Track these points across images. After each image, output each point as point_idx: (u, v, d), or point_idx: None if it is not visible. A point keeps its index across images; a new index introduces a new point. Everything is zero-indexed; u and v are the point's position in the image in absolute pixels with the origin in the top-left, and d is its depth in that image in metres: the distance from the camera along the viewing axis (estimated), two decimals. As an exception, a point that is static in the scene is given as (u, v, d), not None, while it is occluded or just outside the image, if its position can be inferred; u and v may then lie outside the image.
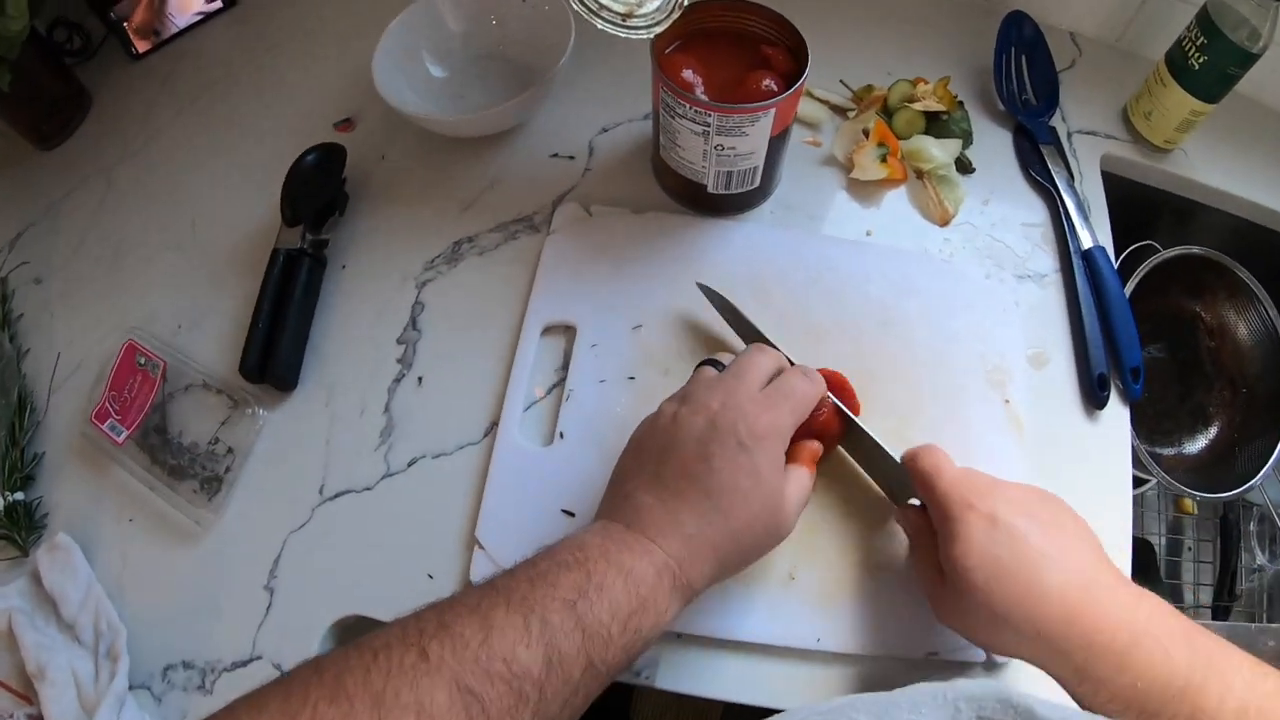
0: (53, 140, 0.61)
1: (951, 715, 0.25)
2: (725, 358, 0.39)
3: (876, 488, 0.42)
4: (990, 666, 0.42)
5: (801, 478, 0.36)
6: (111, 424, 0.48)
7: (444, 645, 0.26)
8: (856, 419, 0.40)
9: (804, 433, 0.37)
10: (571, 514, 0.42)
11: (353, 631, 0.44)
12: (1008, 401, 0.47)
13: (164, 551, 0.45)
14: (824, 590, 0.41)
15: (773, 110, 0.42)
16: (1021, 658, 0.33)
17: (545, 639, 0.27)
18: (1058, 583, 0.31)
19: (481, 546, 0.41)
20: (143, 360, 0.49)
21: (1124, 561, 0.46)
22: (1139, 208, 0.60)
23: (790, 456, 0.36)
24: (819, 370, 0.40)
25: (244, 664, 0.42)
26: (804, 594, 0.41)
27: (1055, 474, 0.47)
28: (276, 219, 0.52)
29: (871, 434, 0.39)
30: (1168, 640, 0.30)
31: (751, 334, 0.43)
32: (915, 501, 0.39)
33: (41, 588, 0.45)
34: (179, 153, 0.59)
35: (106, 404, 0.49)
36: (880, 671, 0.41)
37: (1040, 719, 0.22)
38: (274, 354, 0.47)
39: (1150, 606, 0.31)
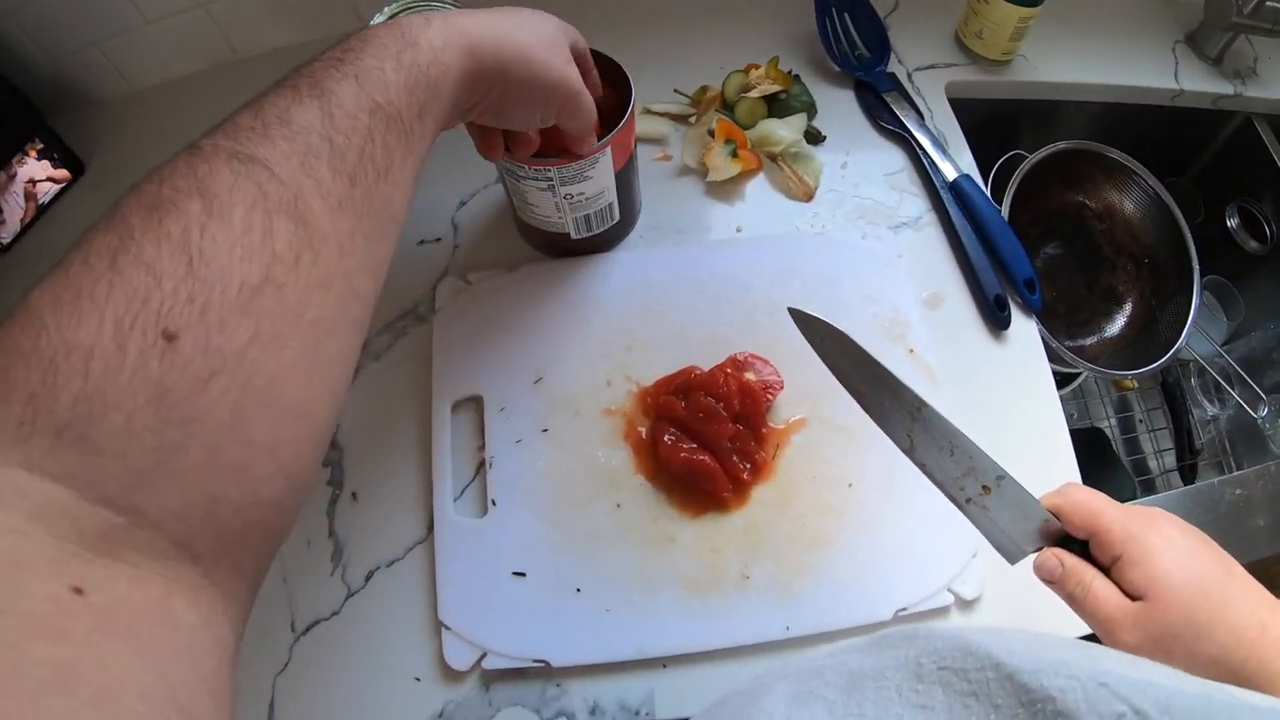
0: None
1: (915, 673, 0.26)
2: None
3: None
4: (962, 605, 0.44)
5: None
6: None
7: (217, 135, 0.24)
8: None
9: None
10: (523, 574, 0.43)
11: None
12: (912, 351, 0.48)
13: None
14: (780, 580, 0.42)
15: (608, 148, 0.43)
16: (1217, 679, 0.30)
17: (316, 92, 0.25)
18: (1243, 594, 0.31)
19: (448, 628, 0.42)
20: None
21: (1070, 459, 0.48)
22: (1000, 124, 0.61)
23: None
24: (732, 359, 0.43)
25: (265, 814, 0.43)
26: (761, 589, 0.42)
27: (978, 404, 0.48)
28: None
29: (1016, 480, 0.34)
30: None
31: (857, 366, 0.37)
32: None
33: None
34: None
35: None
36: (856, 638, 0.42)
37: (999, 662, 0.23)
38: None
39: None
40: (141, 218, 0.21)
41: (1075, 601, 0.33)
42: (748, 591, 0.42)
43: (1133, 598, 0.32)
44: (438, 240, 0.52)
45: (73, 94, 0.64)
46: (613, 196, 0.47)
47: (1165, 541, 0.32)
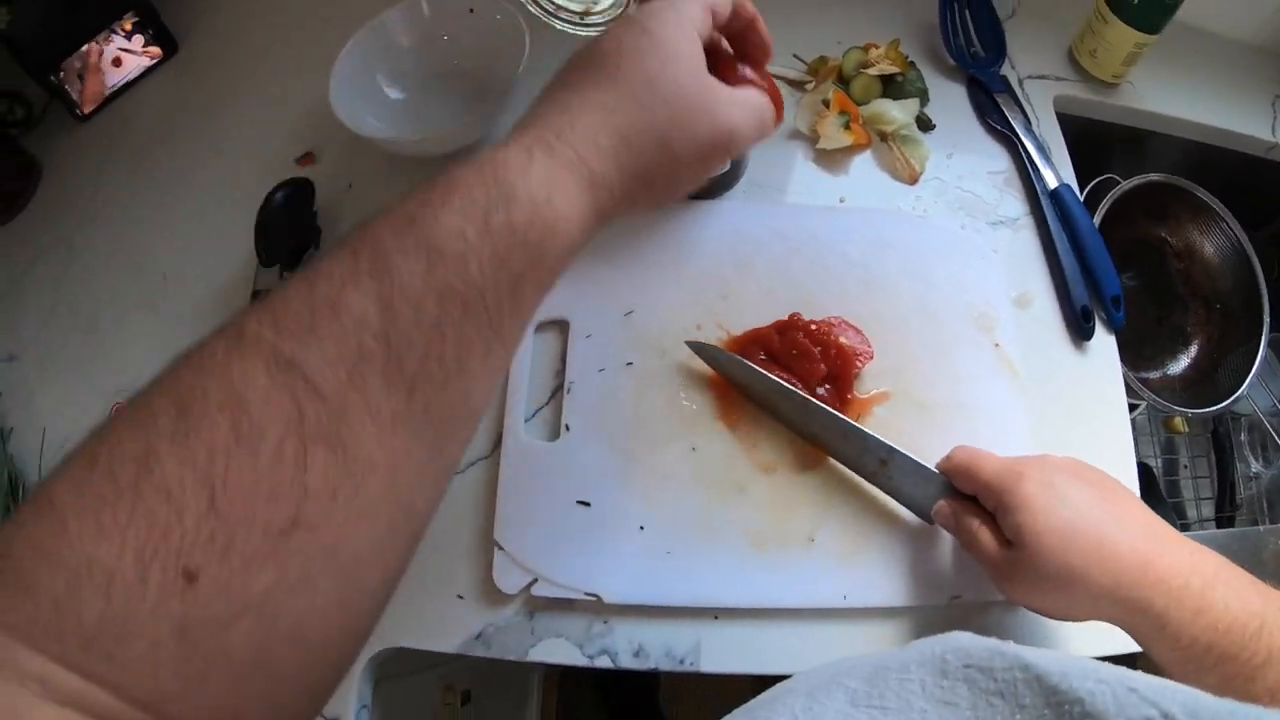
0: (5, 214, 0.59)
1: (940, 669, 0.25)
2: None
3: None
4: (1013, 605, 0.43)
5: (748, 93, 0.30)
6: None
7: (262, 317, 0.21)
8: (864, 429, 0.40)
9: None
10: (587, 504, 0.42)
11: (393, 664, 0.44)
12: (998, 345, 0.48)
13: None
14: (845, 548, 0.41)
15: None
16: (1100, 618, 0.33)
17: (378, 270, 0.21)
18: (1126, 535, 0.31)
19: (501, 547, 0.41)
20: (133, 423, 0.48)
21: (1133, 486, 0.47)
22: (1095, 143, 0.61)
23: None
24: (829, 320, 0.44)
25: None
26: (826, 554, 0.41)
27: (1052, 410, 0.48)
28: (250, 263, 0.51)
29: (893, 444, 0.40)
30: (1238, 584, 0.30)
31: (758, 383, 0.42)
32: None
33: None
34: (139, 210, 0.58)
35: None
36: (909, 622, 0.41)
37: (1028, 663, 0.22)
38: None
39: (1214, 556, 0.32)
40: (170, 421, 0.19)
41: (968, 548, 0.36)
42: (812, 554, 0.41)
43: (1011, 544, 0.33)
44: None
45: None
46: (728, 143, 0.46)
47: (1037, 488, 0.32)
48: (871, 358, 0.45)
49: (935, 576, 0.42)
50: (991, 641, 0.25)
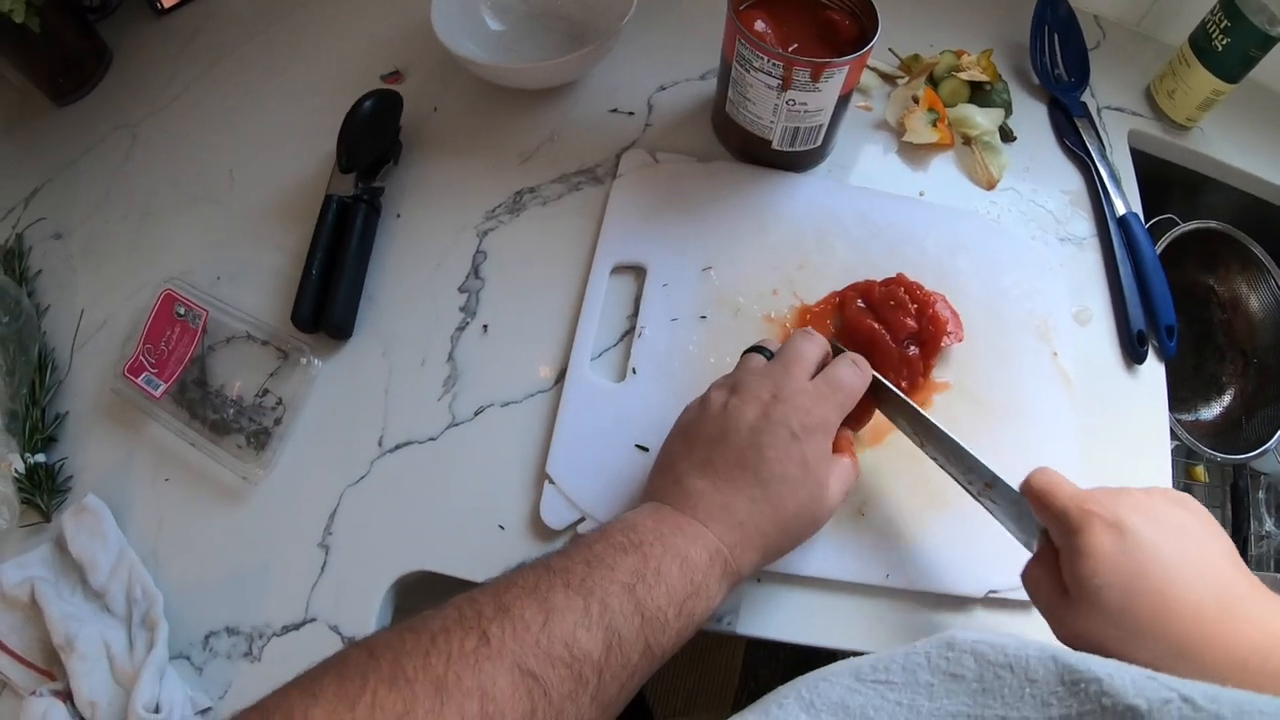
0: (70, 95, 0.58)
1: (948, 642, 0.25)
2: (771, 344, 0.39)
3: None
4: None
5: (845, 468, 0.36)
6: (147, 378, 0.45)
7: (504, 628, 0.26)
8: (934, 421, 0.38)
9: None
10: (645, 448, 0.41)
11: (415, 590, 0.42)
12: (1056, 354, 0.48)
13: (206, 511, 0.43)
14: (892, 527, 0.41)
15: (846, 68, 0.43)
16: (1159, 669, 0.30)
17: (605, 622, 0.27)
18: (1193, 600, 0.28)
19: (552, 481, 0.40)
20: (182, 310, 0.47)
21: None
22: (1158, 182, 0.63)
23: (833, 446, 0.36)
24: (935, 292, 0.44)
25: (296, 627, 0.40)
26: (873, 530, 0.41)
27: (1099, 427, 0.48)
28: (323, 169, 0.50)
29: (954, 437, 0.37)
30: None
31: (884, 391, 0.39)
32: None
33: (67, 555, 0.42)
34: (210, 107, 0.57)
35: (141, 357, 0.46)
36: (944, 612, 0.41)
37: (1044, 644, 0.22)
38: (328, 302, 0.45)
39: None
40: (427, 694, 0.23)
41: (1025, 586, 0.34)
42: (861, 528, 0.41)
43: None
44: (630, 114, 0.52)
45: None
46: (826, 119, 0.46)
47: (1103, 534, 0.30)
48: (961, 339, 0.45)
49: (976, 567, 0.41)
50: (1007, 633, 0.25)
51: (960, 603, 0.41)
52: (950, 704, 0.23)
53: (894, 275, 0.46)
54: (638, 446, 0.41)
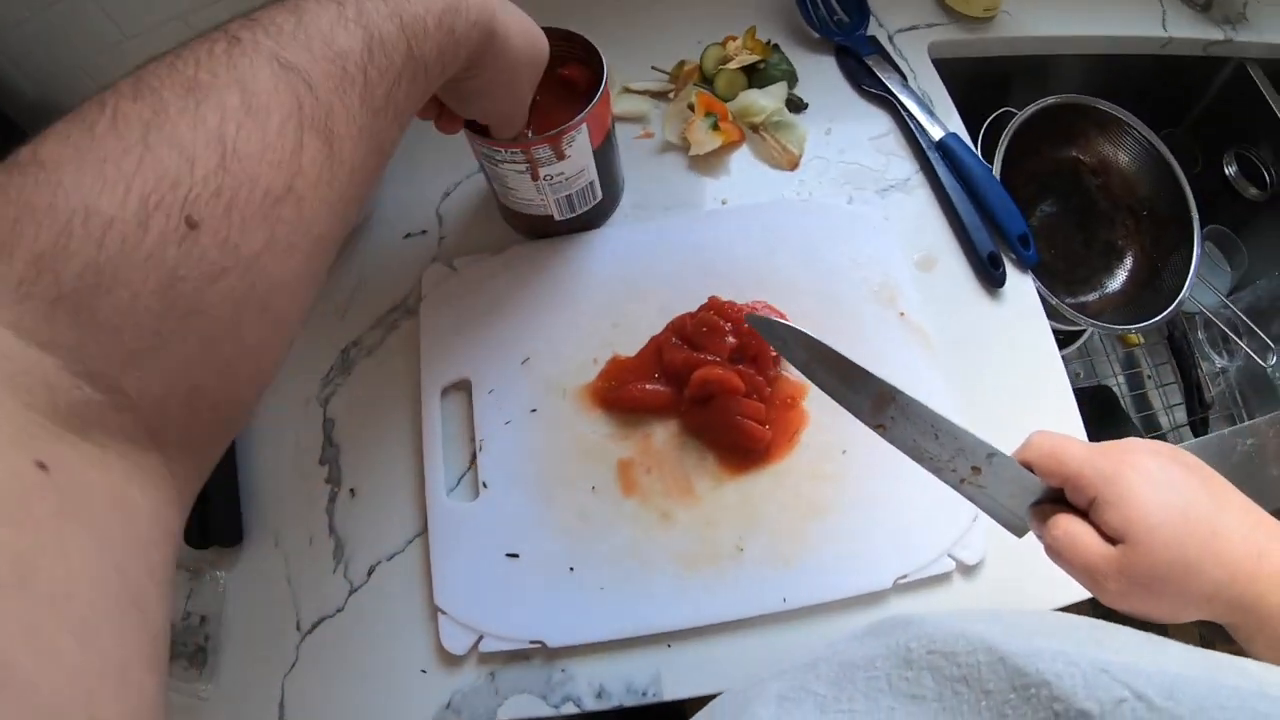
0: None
1: (905, 659, 0.25)
2: None
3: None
4: (965, 571, 0.43)
5: None
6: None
7: (255, 31, 0.24)
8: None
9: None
10: (515, 555, 0.43)
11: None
12: (903, 314, 0.48)
13: (177, 735, 0.46)
14: (775, 552, 0.42)
15: (583, 125, 0.43)
16: (1208, 617, 0.29)
17: (363, 23, 0.26)
18: (1236, 524, 0.28)
19: (444, 612, 0.42)
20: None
21: (1074, 417, 0.47)
22: (987, 82, 0.60)
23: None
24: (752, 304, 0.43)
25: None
26: (757, 562, 0.42)
27: (977, 365, 0.48)
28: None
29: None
30: None
31: (825, 363, 0.34)
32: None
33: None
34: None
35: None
36: (856, 610, 0.42)
37: (992, 645, 0.22)
38: (210, 515, 0.47)
39: None
40: (177, 96, 0.21)
41: (1056, 553, 0.31)
42: (744, 564, 0.42)
43: (1113, 541, 0.29)
44: (423, 233, 0.52)
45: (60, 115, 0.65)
46: (593, 175, 0.46)
47: (1139, 476, 0.29)
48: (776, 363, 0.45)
49: (876, 561, 0.42)
50: (955, 623, 0.25)
51: (872, 598, 0.42)
52: None
53: (705, 301, 0.46)
54: (507, 555, 0.43)
